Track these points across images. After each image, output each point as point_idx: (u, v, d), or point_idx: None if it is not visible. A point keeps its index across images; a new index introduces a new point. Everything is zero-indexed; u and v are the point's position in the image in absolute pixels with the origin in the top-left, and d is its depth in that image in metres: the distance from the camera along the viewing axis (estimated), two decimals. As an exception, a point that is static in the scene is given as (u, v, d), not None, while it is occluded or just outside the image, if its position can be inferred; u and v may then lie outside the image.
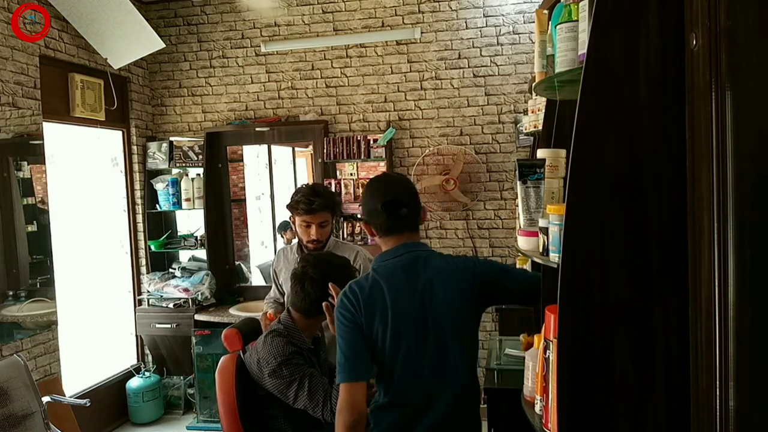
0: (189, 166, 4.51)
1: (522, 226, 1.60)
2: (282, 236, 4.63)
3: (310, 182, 3.49)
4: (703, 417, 1.03)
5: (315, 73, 4.35)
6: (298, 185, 3.06)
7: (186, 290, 4.21)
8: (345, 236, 4.16)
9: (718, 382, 0.98)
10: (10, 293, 3.34)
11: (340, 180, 4.23)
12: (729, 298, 0.96)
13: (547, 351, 1.33)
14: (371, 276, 1.70)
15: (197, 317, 4.14)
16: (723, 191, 0.96)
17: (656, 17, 1.08)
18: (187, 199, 4.44)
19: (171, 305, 4.24)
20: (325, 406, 1.91)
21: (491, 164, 4.13)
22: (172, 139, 4.55)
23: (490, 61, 4.08)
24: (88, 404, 2.90)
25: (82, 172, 4.41)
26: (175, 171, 4.55)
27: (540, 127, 2.23)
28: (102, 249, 4.51)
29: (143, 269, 4.53)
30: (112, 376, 4.20)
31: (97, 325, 4.40)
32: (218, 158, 4.55)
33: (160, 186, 4.49)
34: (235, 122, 4.48)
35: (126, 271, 4.52)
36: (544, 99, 2.03)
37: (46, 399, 2.76)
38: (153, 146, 4.51)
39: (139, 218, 4.51)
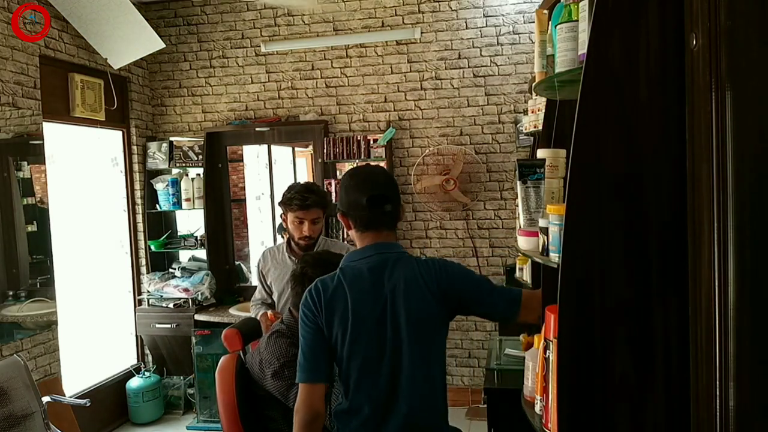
0: (189, 166, 4.51)
1: (522, 226, 1.60)
2: (282, 236, 4.63)
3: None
4: (703, 417, 1.03)
5: (315, 73, 4.35)
6: (294, 184, 3.08)
7: (186, 290, 4.21)
8: (345, 236, 4.15)
9: (718, 382, 0.98)
10: (10, 293, 3.34)
11: (340, 180, 4.23)
12: (729, 298, 0.96)
13: (547, 351, 1.33)
14: (337, 276, 1.65)
15: (197, 317, 4.14)
16: (723, 191, 0.96)
17: (656, 17, 1.08)
18: (187, 199, 4.44)
19: (171, 305, 4.24)
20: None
21: (491, 164, 4.13)
22: (172, 139, 4.55)
23: (490, 61, 4.08)
24: (88, 404, 2.90)
25: (82, 172, 4.40)
26: (175, 171, 4.55)
27: (540, 127, 2.23)
28: (102, 249, 4.51)
29: (143, 269, 4.53)
30: (112, 376, 4.20)
31: (97, 325, 4.40)
32: (218, 158, 4.55)
33: (160, 186, 4.49)
34: (235, 122, 4.48)
35: (126, 271, 4.52)
36: (544, 99, 2.03)
37: (46, 399, 2.76)
38: (153, 146, 4.51)
39: (139, 218, 4.51)
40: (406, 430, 1.60)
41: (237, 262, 4.66)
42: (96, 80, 4.02)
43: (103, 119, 4.10)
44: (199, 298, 4.21)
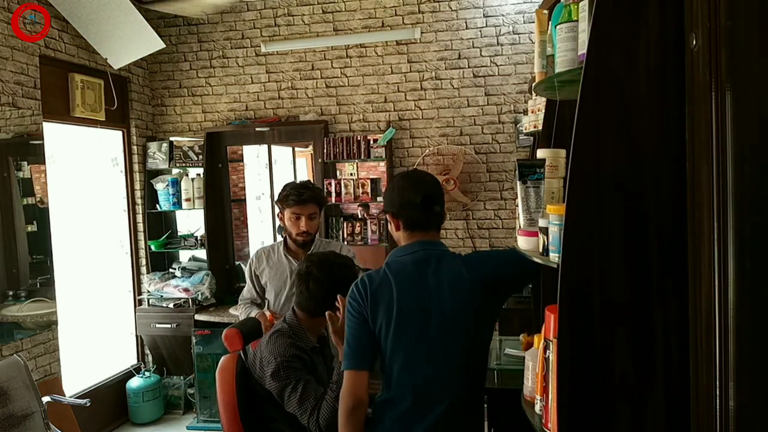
0: (189, 166, 4.51)
1: (522, 226, 1.59)
2: (282, 236, 4.63)
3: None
4: (703, 417, 1.03)
5: (315, 73, 4.35)
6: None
7: (186, 290, 4.21)
8: (345, 236, 4.16)
9: (718, 382, 0.98)
10: (10, 293, 3.34)
11: (340, 180, 4.23)
12: (729, 298, 0.96)
13: (547, 351, 1.33)
14: (383, 269, 1.71)
15: (197, 317, 4.14)
16: (723, 191, 0.96)
17: (656, 17, 1.08)
18: (187, 199, 4.44)
19: (171, 305, 4.24)
20: (312, 416, 1.86)
21: (491, 164, 4.13)
22: (172, 139, 4.55)
23: (490, 61, 4.08)
24: (88, 404, 2.90)
25: (82, 172, 4.40)
26: (175, 171, 4.55)
27: (540, 127, 2.23)
28: (102, 249, 4.51)
29: (143, 269, 4.53)
30: (112, 376, 4.20)
31: (97, 325, 4.40)
32: (218, 158, 4.56)
33: (160, 186, 4.49)
34: (235, 122, 4.48)
35: (126, 271, 4.52)
36: (544, 99, 2.03)
37: (46, 399, 2.76)
38: (153, 146, 4.51)
39: (139, 218, 4.52)
40: (447, 421, 1.64)
41: (237, 262, 4.66)
42: (96, 80, 4.02)
43: (103, 119, 4.10)
44: (199, 298, 4.21)
